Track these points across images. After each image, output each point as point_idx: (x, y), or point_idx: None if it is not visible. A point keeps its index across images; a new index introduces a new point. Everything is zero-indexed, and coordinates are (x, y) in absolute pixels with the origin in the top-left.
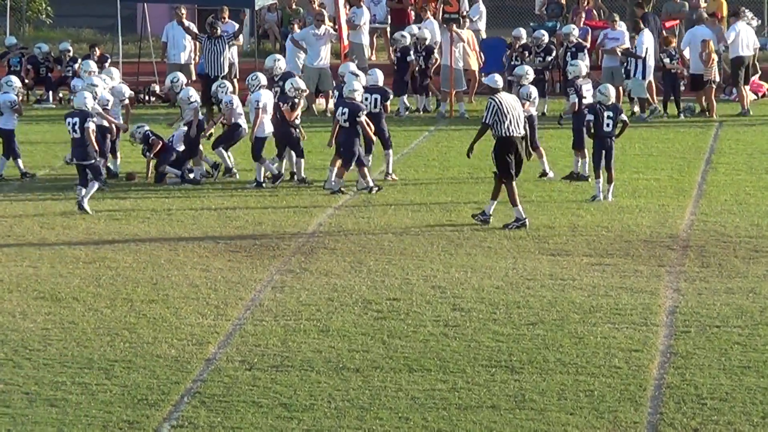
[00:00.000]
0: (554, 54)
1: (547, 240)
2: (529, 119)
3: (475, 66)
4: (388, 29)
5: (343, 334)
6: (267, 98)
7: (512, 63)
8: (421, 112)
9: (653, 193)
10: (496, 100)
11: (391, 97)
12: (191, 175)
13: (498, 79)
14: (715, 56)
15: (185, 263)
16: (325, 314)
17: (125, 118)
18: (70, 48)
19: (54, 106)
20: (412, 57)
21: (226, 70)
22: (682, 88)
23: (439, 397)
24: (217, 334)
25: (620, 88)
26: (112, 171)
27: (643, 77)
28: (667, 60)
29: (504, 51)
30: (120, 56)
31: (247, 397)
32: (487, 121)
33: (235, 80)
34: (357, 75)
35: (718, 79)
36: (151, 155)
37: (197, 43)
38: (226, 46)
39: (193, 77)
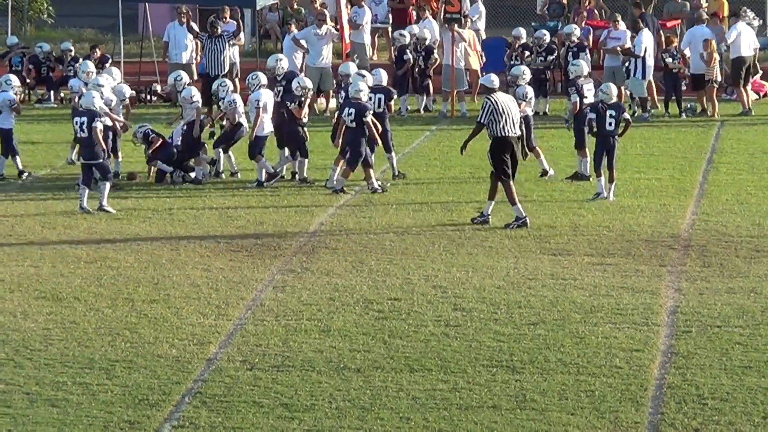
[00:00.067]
0: (555, 54)
1: (549, 240)
2: (525, 119)
3: (476, 66)
4: (390, 29)
5: (345, 334)
6: (267, 98)
7: (512, 63)
8: (422, 112)
9: (655, 193)
10: (492, 100)
11: (395, 96)
12: (192, 175)
13: (494, 79)
14: (716, 56)
15: (186, 263)
16: (326, 314)
17: (125, 118)
18: (72, 48)
19: (55, 105)
20: (409, 56)
21: (227, 68)
22: (684, 87)
23: (440, 397)
24: (219, 334)
25: (622, 87)
26: (113, 171)
27: (643, 77)
28: (669, 60)
29: (505, 51)
30: (121, 56)
31: (248, 397)
32: (482, 121)
33: (236, 80)
34: (363, 76)
35: (719, 78)
36: (150, 151)
37: (198, 42)
38: (227, 45)
39: (195, 77)
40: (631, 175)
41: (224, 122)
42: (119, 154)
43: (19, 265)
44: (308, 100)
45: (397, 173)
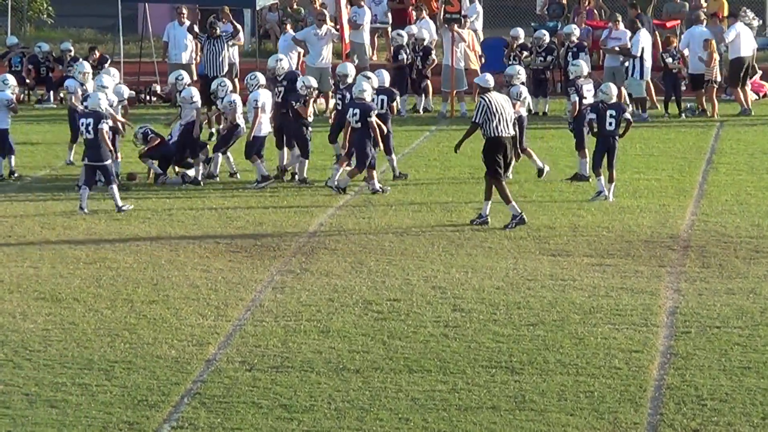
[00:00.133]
0: (555, 54)
1: (548, 240)
2: (519, 120)
3: (476, 66)
4: (389, 29)
5: (344, 335)
6: (266, 98)
7: (510, 63)
8: (422, 113)
9: (654, 194)
10: (486, 100)
11: (398, 98)
12: (191, 173)
13: (489, 79)
14: (716, 56)
15: (186, 264)
16: (325, 315)
17: (124, 119)
18: (72, 48)
19: (55, 106)
20: (403, 56)
21: (225, 70)
22: (684, 88)
23: (439, 398)
24: (218, 335)
25: (622, 88)
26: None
27: (641, 77)
28: (669, 60)
29: (504, 51)
30: (121, 56)
31: (247, 398)
32: (477, 121)
33: (236, 80)
34: (369, 77)
35: (719, 79)
36: (146, 148)
37: (198, 43)
38: (225, 46)
39: (195, 77)
40: (631, 175)
41: (221, 123)
42: (118, 154)
43: (19, 266)
44: (312, 99)
45: (398, 174)
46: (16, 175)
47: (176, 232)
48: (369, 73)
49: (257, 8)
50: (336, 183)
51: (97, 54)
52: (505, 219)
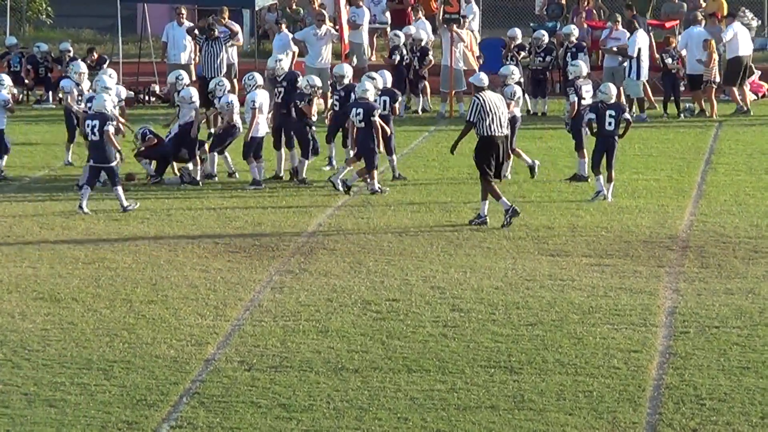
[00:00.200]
0: (554, 54)
1: (547, 240)
2: (512, 120)
3: (474, 66)
4: (389, 29)
5: (342, 335)
6: (263, 98)
7: (507, 63)
8: (420, 113)
9: (653, 194)
10: (481, 99)
11: (400, 98)
12: (190, 166)
13: (483, 78)
14: (716, 56)
15: (184, 264)
16: (324, 315)
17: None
18: (71, 48)
19: (54, 106)
20: (396, 56)
21: (224, 71)
22: (682, 88)
23: (438, 397)
24: (216, 335)
25: (621, 88)
26: None
27: (638, 77)
28: (669, 60)
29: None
30: (120, 56)
31: (246, 398)
32: (471, 120)
33: (234, 80)
34: (374, 78)
35: (718, 79)
36: (142, 148)
37: (196, 44)
38: (224, 47)
39: (194, 77)
40: (630, 175)
41: (218, 123)
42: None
43: (17, 266)
44: (317, 99)
45: (397, 175)
46: (2, 174)
47: (175, 232)
48: (374, 74)
49: (256, 8)
50: (341, 179)
51: (96, 55)
52: (502, 219)
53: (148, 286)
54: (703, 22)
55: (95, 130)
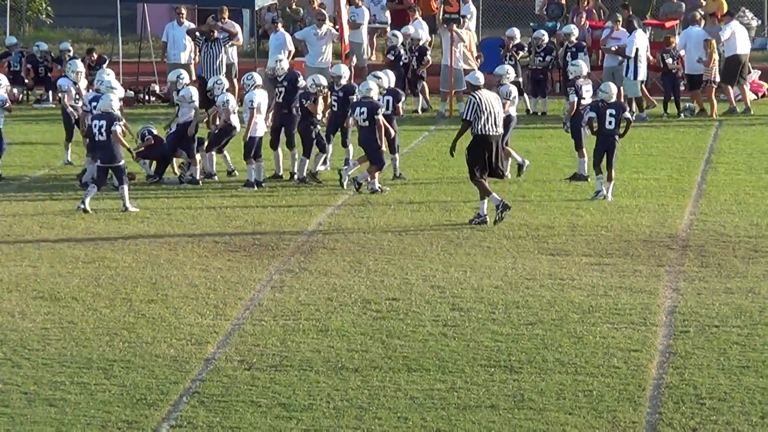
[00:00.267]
0: (554, 54)
1: (547, 240)
2: (507, 119)
3: (473, 66)
4: (388, 29)
5: (342, 334)
6: (261, 98)
7: (505, 62)
8: (420, 113)
9: (653, 193)
10: (477, 97)
11: (403, 98)
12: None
13: (479, 76)
14: (716, 56)
15: (184, 263)
16: (324, 314)
17: None
18: (70, 48)
19: (54, 105)
20: (391, 56)
21: (224, 71)
22: (682, 88)
23: (437, 396)
24: (216, 334)
25: (621, 88)
26: None
27: (635, 77)
28: (669, 60)
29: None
30: (120, 56)
31: (246, 397)
32: (467, 118)
33: (234, 80)
34: (379, 77)
35: (718, 79)
36: (142, 148)
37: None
38: (223, 48)
39: (193, 77)
40: (630, 175)
41: (216, 122)
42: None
43: (17, 265)
44: (322, 98)
45: (398, 174)
46: None
47: (175, 231)
48: (379, 73)
49: (256, 8)
50: (351, 175)
51: (95, 55)
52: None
53: (148, 285)
54: (702, 22)
55: (102, 130)
